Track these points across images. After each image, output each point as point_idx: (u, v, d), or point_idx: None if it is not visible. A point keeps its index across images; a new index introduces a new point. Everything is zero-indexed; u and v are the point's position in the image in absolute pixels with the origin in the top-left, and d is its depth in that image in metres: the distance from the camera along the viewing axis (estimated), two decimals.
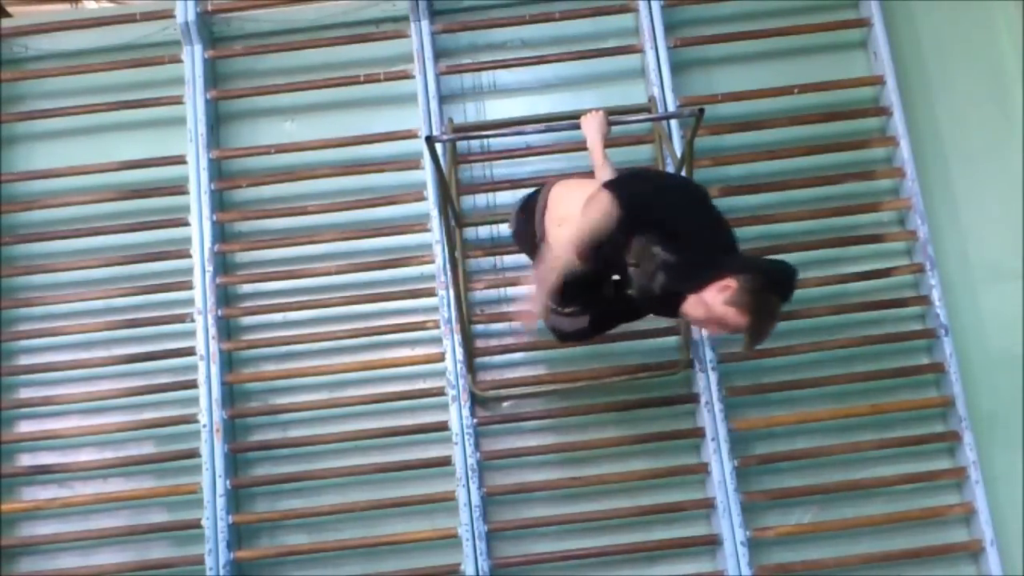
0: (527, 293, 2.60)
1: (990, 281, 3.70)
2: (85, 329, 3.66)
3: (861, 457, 3.50)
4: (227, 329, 3.70)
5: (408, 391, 3.61)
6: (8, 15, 4.08)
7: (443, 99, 3.78)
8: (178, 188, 3.74)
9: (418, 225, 3.70)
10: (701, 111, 2.83)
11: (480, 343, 3.66)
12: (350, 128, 3.81)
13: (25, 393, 3.66)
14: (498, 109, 3.89)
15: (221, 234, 3.76)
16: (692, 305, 2.43)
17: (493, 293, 3.72)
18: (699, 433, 3.50)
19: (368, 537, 3.50)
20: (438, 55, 3.81)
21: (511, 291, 3.70)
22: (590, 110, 3.02)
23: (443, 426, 3.54)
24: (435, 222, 3.63)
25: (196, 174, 3.71)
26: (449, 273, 3.46)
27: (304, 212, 3.73)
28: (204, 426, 3.52)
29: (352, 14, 3.91)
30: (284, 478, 3.57)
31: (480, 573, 3.39)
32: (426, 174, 3.67)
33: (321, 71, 3.86)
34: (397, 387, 3.62)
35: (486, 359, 3.66)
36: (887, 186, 3.74)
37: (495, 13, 3.88)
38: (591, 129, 2.95)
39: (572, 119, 3.07)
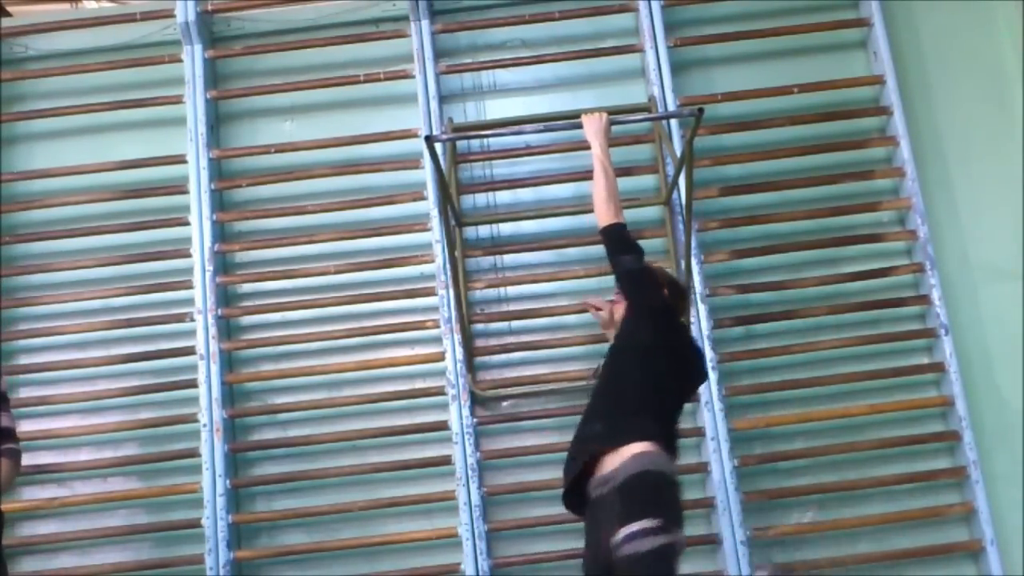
0: None
1: (990, 281, 3.70)
2: (85, 329, 3.66)
3: (861, 457, 3.50)
4: (227, 329, 3.70)
5: (408, 391, 3.61)
6: (8, 15, 4.08)
7: (443, 99, 3.78)
8: (178, 188, 3.74)
9: (418, 224, 3.70)
10: (701, 111, 2.83)
11: (480, 343, 3.66)
12: (350, 128, 3.81)
13: (25, 393, 3.65)
14: (498, 109, 3.89)
15: (221, 234, 3.76)
16: None
17: (493, 293, 3.72)
18: (699, 432, 3.50)
19: (368, 537, 3.50)
20: (438, 55, 3.81)
21: (511, 291, 3.71)
22: (590, 110, 3.01)
23: (443, 426, 3.54)
24: (435, 221, 3.63)
25: (196, 174, 3.71)
26: (449, 273, 3.46)
27: (304, 212, 3.73)
28: (204, 426, 3.52)
29: (352, 14, 3.91)
30: (284, 478, 3.57)
31: (480, 573, 3.39)
32: (426, 174, 3.67)
33: (321, 71, 3.86)
34: (397, 387, 3.62)
35: (486, 359, 3.66)
36: (887, 186, 3.74)
37: (495, 13, 3.88)
38: (592, 130, 2.94)
39: (572, 119, 3.07)
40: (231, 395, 3.65)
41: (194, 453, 3.53)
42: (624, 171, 3.55)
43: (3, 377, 2.88)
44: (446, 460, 3.51)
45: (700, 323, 3.51)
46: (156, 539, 3.56)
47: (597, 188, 2.86)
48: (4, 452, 2.84)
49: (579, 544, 3.44)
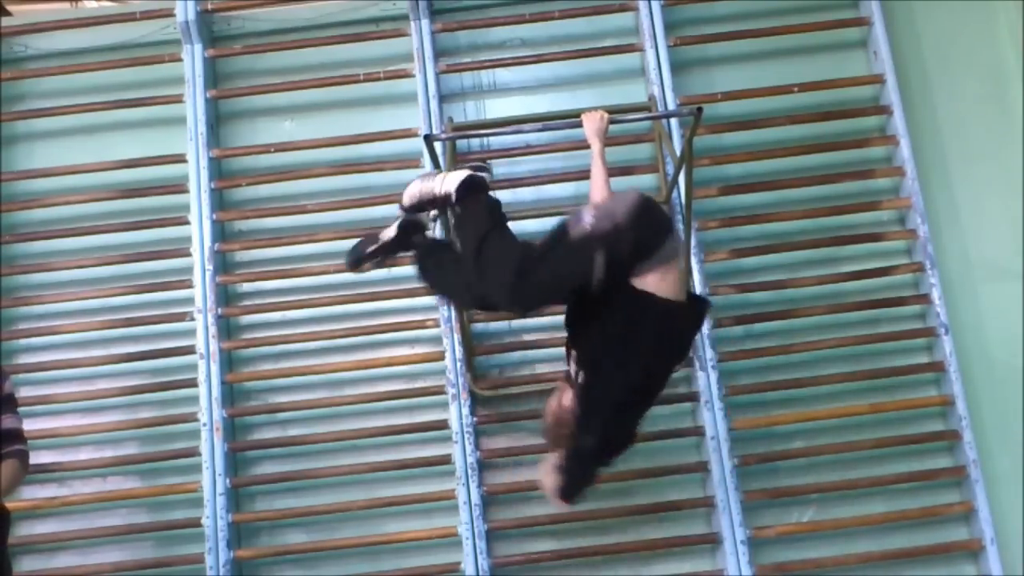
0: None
1: (990, 281, 3.70)
2: (85, 328, 3.66)
3: (861, 456, 3.50)
4: (227, 328, 3.70)
5: (408, 390, 3.61)
6: (8, 14, 4.08)
7: (443, 98, 3.78)
8: (178, 187, 3.74)
9: None
10: (700, 110, 2.83)
11: (480, 343, 3.66)
12: (350, 127, 3.81)
13: (25, 392, 3.63)
14: (497, 108, 3.89)
15: (221, 233, 3.76)
16: None
17: None
18: (699, 432, 3.50)
19: (368, 536, 3.50)
20: (438, 54, 3.81)
21: None
22: (589, 109, 3.01)
23: (443, 425, 3.54)
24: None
25: (196, 173, 3.71)
26: None
27: (304, 211, 3.73)
28: (204, 425, 3.52)
29: (352, 13, 3.91)
30: (284, 477, 3.57)
31: (480, 572, 3.39)
32: None
33: (321, 70, 3.86)
34: (397, 386, 3.62)
35: (486, 358, 3.66)
36: (887, 185, 3.74)
37: (494, 12, 3.88)
38: (592, 129, 2.94)
39: (571, 118, 3.06)
40: (231, 394, 3.65)
41: (194, 452, 3.53)
42: (624, 170, 3.56)
43: (9, 378, 2.88)
44: (446, 459, 3.51)
45: None
46: (156, 539, 3.57)
47: (599, 192, 2.86)
48: (11, 454, 2.84)
49: (579, 543, 3.48)
